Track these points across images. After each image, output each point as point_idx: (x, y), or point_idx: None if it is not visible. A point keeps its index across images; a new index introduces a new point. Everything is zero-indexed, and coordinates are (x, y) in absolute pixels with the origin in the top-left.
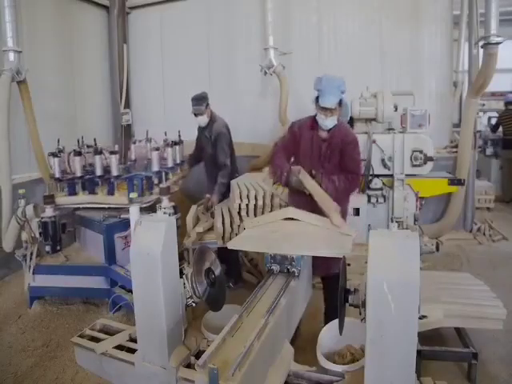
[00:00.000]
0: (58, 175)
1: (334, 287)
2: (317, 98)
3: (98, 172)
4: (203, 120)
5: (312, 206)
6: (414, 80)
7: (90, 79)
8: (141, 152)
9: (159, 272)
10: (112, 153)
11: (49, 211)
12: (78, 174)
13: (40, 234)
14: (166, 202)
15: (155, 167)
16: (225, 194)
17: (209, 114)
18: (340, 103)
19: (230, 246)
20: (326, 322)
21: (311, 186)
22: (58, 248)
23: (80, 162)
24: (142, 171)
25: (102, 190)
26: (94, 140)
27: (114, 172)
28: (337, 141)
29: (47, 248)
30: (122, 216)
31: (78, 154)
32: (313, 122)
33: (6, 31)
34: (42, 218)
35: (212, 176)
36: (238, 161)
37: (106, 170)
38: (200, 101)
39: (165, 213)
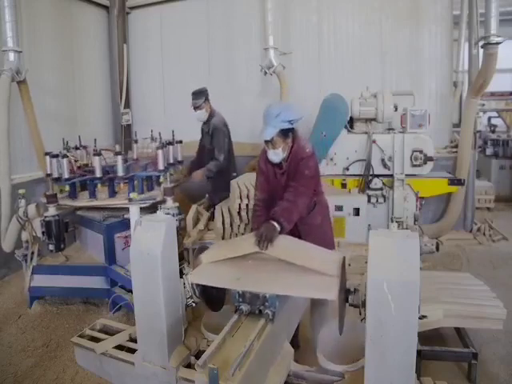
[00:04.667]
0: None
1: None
2: None
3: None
4: (202, 114)
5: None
6: (413, 80)
7: (89, 79)
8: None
9: (159, 272)
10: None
11: (52, 210)
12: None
13: (43, 233)
14: (170, 203)
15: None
16: (225, 194)
17: (208, 108)
18: (286, 134)
19: (193, 279)
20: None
21: (284, 255)
22: (62, 247)
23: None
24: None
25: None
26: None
27: None
28: (293, 166)
29: (51, 247)
30: (125, 216)
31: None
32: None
33: (5, 31)
34: (45, 217)
35: None
36: (237, 161)
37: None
38: (198, 95)
39: (168, 213)
